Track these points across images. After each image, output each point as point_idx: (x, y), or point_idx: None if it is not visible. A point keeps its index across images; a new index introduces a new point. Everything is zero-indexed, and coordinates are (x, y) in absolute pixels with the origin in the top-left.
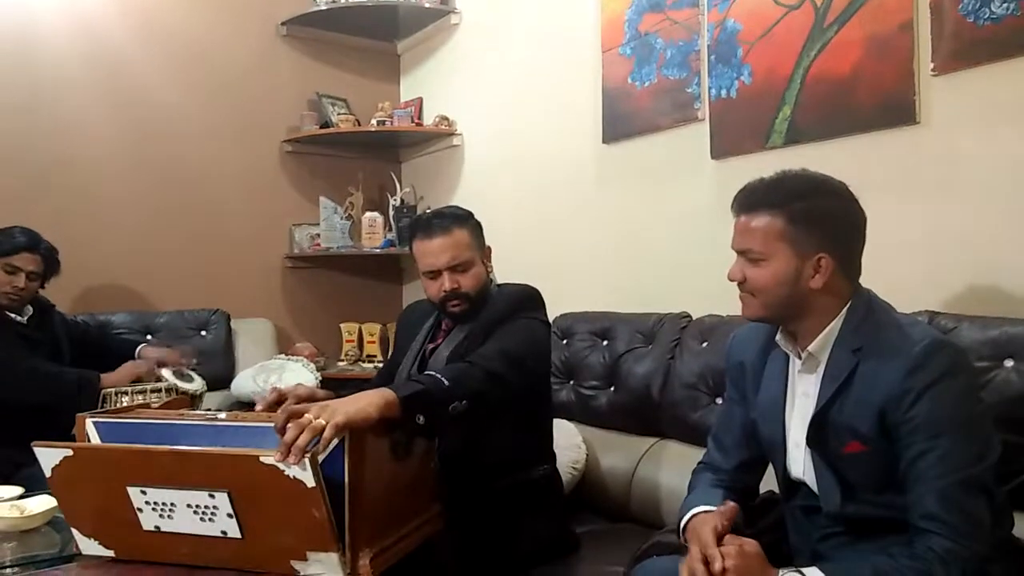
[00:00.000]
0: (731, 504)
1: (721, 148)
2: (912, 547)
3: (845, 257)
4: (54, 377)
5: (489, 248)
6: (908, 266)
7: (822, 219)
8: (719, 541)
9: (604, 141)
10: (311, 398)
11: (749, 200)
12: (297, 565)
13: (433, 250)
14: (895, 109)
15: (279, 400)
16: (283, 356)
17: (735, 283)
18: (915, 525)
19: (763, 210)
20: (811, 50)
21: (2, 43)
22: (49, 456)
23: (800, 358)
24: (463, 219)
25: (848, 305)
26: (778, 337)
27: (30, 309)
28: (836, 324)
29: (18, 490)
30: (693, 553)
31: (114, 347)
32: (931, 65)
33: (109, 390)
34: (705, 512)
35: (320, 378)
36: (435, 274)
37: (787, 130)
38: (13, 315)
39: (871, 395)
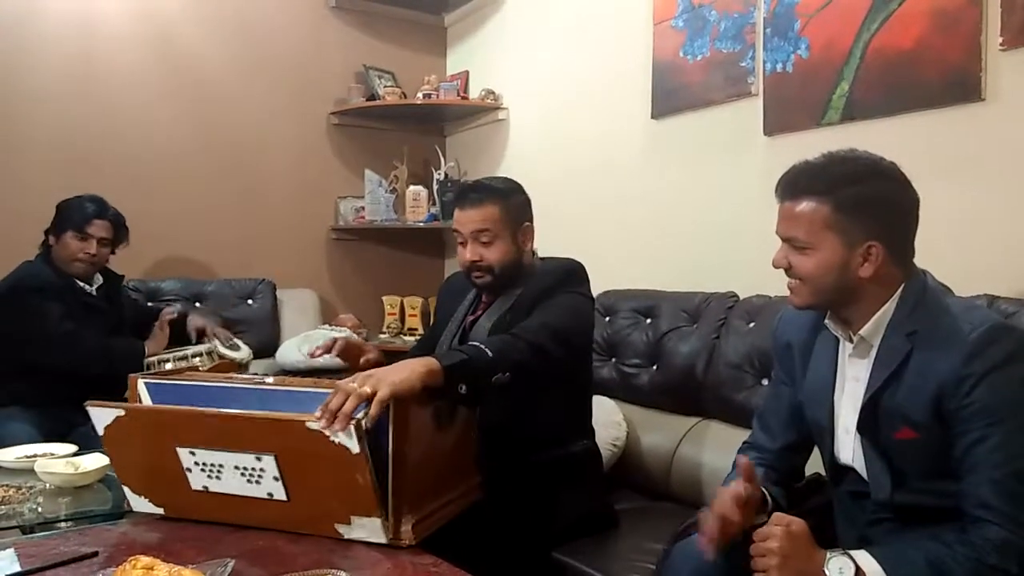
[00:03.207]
0: (744, 460)
1: (775, 124)
2: (966, 535)
3: (897, 243)
4: (104, 351)
5: (529, 226)
6: (970, 248)
7: (871, 206)
8: (742, 505)
9: (653, 116)
10: (361, 349)
11: (793, 185)
12: (341, 528)
13: (461, 219)
14: (960, 85)
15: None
16: (327, 326)
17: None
18: (970, 514)
19: (808, 197)
20: (872, 23)
21: (62, 18)
22: (102, 416)
23: (851, 342)
24: (500, 193)
25: (902, 288)
26: (827, 320)
27: (100, 279)
28: (889, 308)
29: (72, 447)
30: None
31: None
32: (999, 39)
33: (152, 358)
34: None
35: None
36: (464, 242)
37: (844, 106)
38: (82, 284)
39: (926, 381)
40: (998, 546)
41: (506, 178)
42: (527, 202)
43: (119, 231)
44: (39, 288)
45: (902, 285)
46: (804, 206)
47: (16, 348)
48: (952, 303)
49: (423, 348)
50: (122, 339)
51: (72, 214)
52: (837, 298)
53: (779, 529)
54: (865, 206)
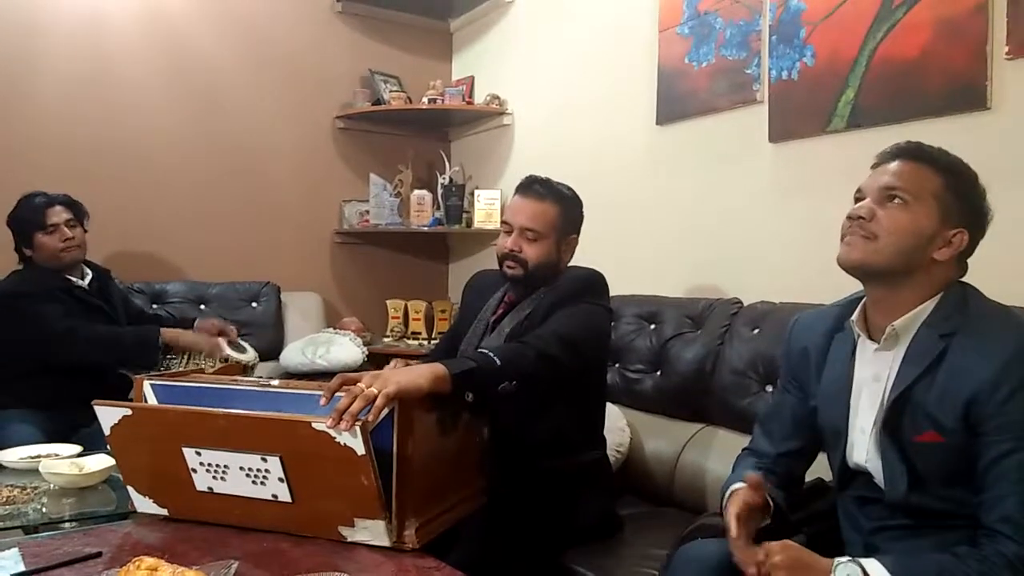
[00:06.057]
0: (751, 475)
1: (780, 131)
2: (981, 549)
3: (973, 244)
4: (113, 338)
5: (575, 239)
6: (975, 256)
7: (973, 201)
8: (747, 513)
9: (658, 123)
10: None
11: (917, 150)
12: (345, 531)
13: (517, 207)
14: (965, 94)
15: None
16: (331, 330)
17: (856, 219)
18: (989, 526)
19: (927, 165)
20: (878, 31)
21: (70, 22)
22: (109, 415)
23: (872, 339)
24: (561, 197)
25: (944, 291)
26: (855, 316)
27: (89, 273)
28: (928, 306)
29: (77, 448)
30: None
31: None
32: (1005, 49)
33: None
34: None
35: (367, 353)
36: (509, 230)
37: (850, 114)
38: (74, 279)
39: (959, 385)
40: (1012, 562)
41: (571, 188)
42: (581, 217)
43: (76, 208)
44: (30, 293)
45: (946, 288)
46: (921, 168)
47: (20, 351)
48: (995, 310)
49: (447, 343)
50: (132, 327)
51: (27, 217)
52: (896, 268)
53: (777, 544)
54: (969, 198)
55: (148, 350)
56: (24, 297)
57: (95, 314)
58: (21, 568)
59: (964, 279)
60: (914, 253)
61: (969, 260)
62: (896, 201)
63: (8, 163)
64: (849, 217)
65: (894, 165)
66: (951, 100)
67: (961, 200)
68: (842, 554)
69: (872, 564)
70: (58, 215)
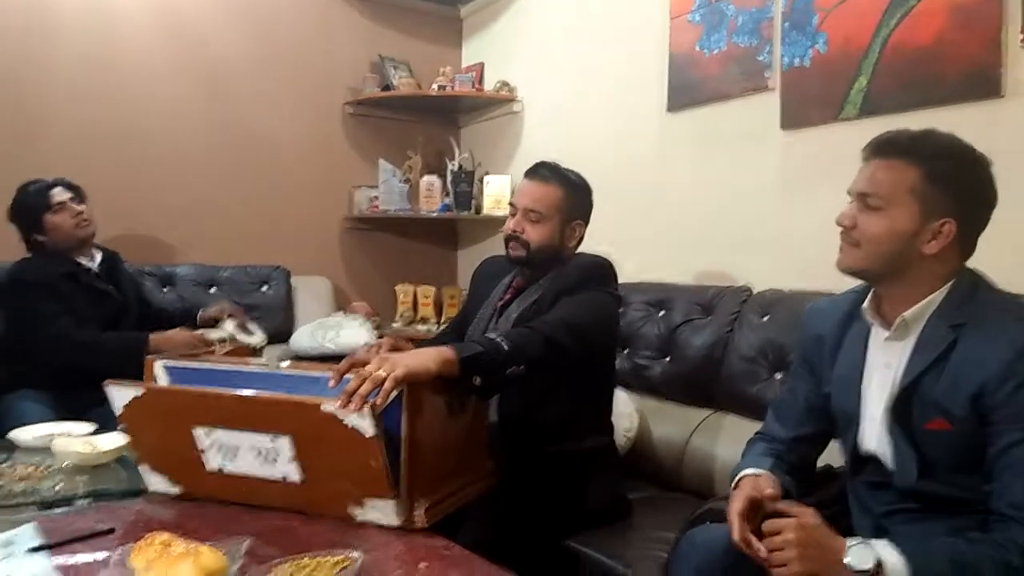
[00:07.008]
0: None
1: (791, 119)
2: (992, 534)
3: (968, 230)
4: (92, 348)
5: (579, 224)
6: (987, 244)
7: (960, 185)
8: (754, 509)
9: (669, 110)
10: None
11: (890, 145)
12: (354, 510)
13: (523, 189)
14: (979, 81)
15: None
16: (340, 314)
17: (841, 227)
18: (1000, 512)
19: (902, 158)
20: (891, 18)
21: (78, 10)
22: (120, 395)
23: (886, 327)
24: (567, 183)
25: (953, 280)
26: (865, 305)
27: (99, 255)
28: (938, 296)
29: (91, 427)
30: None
31: (152, 316)
32: (1020, 36)
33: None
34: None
35: (377, 336)
36: (515, 212)
37: (862, 101)
38: (85, 262)
39: (969, 374)
40: (1023, 548)
41: (581, 175)
42: (589, 204)
43: (75, 188)
44: (34, 281)
45: (954, 277)
46: (895, 165)
47: (21, 339)
48: (1005, 301)
49: (455, 328)
50: (116, 334)
51: (31, 202)
52: (888, 270)
53: (792, 520)
54: (954, 183)
55: (132, 360)
56: (27, 287)
57: (102, 299)
58: (37, 543)
59: (975, 268)
60: (899, 254)
61: (980, 245)
62: (871, 207)
63: (17, 148)
64: (836, 223)
65: (872, 164)
66: (965, 88)
67: (945, 189)
68: (857, 536)
69: (883, 546)
70: (62, 194)
